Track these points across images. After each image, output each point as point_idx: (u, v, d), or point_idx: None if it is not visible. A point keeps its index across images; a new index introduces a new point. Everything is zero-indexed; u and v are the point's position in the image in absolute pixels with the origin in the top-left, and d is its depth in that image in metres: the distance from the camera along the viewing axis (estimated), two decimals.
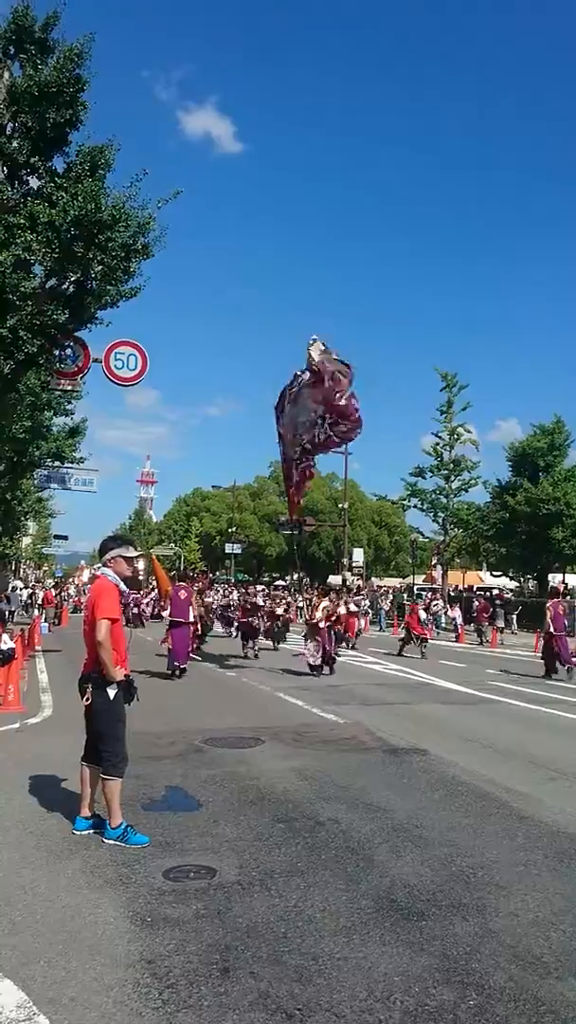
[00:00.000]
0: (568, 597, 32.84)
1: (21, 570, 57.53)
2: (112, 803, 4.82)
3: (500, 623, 25.67)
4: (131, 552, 5.25)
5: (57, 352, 14.73)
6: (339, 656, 16.00)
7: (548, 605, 15.56)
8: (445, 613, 30.96)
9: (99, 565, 5.41)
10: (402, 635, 20.14)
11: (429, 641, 19.72)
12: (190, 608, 14.40)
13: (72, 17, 12.67)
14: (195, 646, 16.98)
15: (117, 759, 4.91)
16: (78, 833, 4.94)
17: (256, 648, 17.48)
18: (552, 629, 14.83)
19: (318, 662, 14.36)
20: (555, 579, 35.23)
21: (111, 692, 4.87)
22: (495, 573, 44.49)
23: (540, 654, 16.05)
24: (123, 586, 5.12)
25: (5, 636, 10.53)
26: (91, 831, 4.93)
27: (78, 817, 5.05)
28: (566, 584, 33.05)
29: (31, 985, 3.11)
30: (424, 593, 35.77)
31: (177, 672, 13.44)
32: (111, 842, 4.73)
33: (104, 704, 4.88)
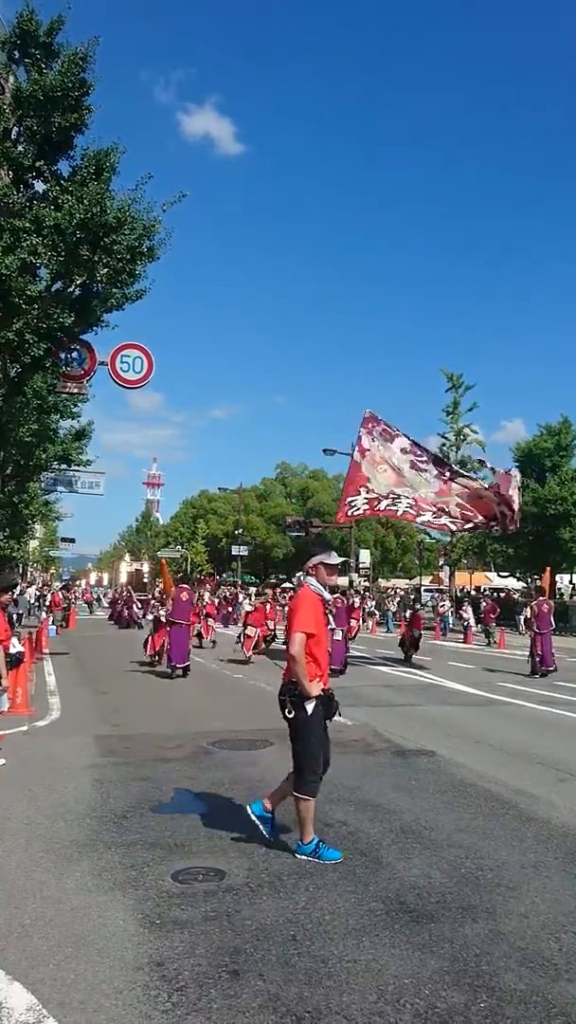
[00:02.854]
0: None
1: (28, 573, 57.59)
2: (304, 821, 4.63)
3: (471, 620, 26.00)
4: (334, 559, 4.83)
5: (63, 355, 14.80)
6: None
7: (533, 604, 15.59)
8: (451, 613, 30.92)
9: (301, 573, 4.98)
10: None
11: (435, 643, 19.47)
12: (190, 610, 14.48)
13: (69, 19, 12.64)
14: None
15: (310, 778, 4.60)
16: (250, 813, 4.80)
17: None
18: (537, 628, 14.85)
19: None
20: (563, 580, 35.12)
21: (309, 708, 4.58)
22: (502, 574, 44.37)
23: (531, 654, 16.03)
24: (326, 595, 4.83)
25: (15, 639, 10.52)
26: (258, 820, 4.77)
27: (259, 800, 4.89)
28: (554, 583, 32.96)
29: (40, 988, 3.11)
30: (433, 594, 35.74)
31: (177, 673, 13.49)
32: (304, 858, 4.56)
33: (302, 720, 4.60)
